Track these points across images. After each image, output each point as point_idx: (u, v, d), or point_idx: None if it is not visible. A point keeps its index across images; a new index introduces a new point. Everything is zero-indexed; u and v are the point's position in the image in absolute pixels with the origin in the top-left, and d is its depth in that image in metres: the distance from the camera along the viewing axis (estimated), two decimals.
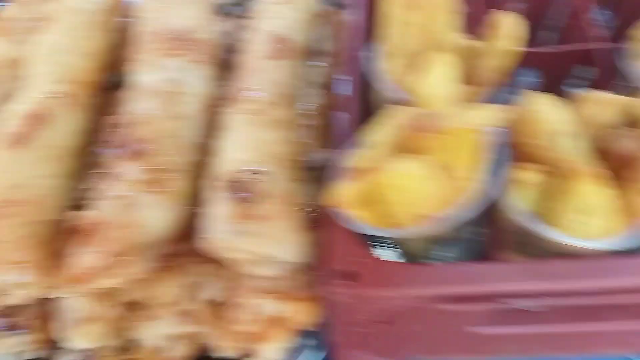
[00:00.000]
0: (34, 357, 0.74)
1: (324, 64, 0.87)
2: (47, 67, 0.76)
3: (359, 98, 0.71)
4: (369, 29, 0.80)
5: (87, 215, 0.59)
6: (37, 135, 0.68)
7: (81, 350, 0.72)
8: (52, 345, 0.75)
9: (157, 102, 0.70)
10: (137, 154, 0.64)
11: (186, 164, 0.67)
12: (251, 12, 0.88)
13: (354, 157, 0.58)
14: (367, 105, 0.72)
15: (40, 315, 0.72)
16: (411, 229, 0.52)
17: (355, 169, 0.56)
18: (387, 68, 0.68)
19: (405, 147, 0.53)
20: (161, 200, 0.62)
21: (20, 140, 0.66)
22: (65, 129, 0.71)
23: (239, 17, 0.97)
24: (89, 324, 0.68)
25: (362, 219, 0.53)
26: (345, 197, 0.53)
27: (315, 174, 0.74)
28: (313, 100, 0.82)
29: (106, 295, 0.64)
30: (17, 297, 0.63)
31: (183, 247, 0.65)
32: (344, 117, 0.69)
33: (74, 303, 0.69)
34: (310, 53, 0.85)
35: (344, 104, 0.71)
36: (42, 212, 0.63)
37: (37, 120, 0.69)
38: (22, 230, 0.60)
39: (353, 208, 0.52)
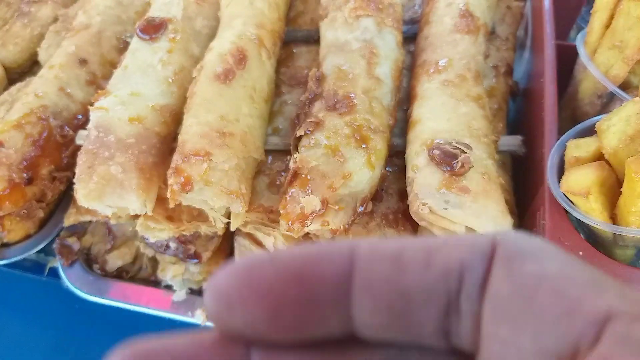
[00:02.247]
0: (202, 288, 0.78)
1: (501, 47, 0.86)
2: (244, 11, 0.77)
3: (556, 86, 0.70)
4: (555, 21, 0.79)
5: (302, 161, 0.60)
6: (239, 74, 0.70)
7: None
8: None
9: (357, 61, 0.71)
10: (345, 109, 0.65)
11: (383, 126, 0.67)
12: None
13: (576, 146, 0.57)
14: (561, 92, 0.72)
15: (216, 250, 0.75)
16: None
17: (580, 158, 0.56)
18: (597, 59, 0.66)
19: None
20: (365, 157, 0.63)
21: (227, 76, 0.68)
22: (257, 72, 0.73)
23: None
24: None
25: (591, 210, 0.53)
26: (577, 185, 0.53)
27: (502, 157, 0.74)
28: (491, 83, 0.82)
29: (298, 240, 0.66)
30: (219, 225, 0.65)
31: (372, 207, 0.66)
32: (541, 104, 0.69)
33: (251, 245, 0.72)
34: (490, 34, 0.85)
35: (540, 89, 0.70)
36: (245, 148, 0.65)
37: (238, 59, 0.71)
38: (234, 162, 0.62)
39: (583, 197, 0.52)
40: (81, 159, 0.64)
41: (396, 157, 0.72)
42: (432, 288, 0.18)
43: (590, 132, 0.60)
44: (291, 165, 0.61)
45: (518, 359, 0.17)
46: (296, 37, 0.87)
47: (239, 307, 0.18)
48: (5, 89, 0.94)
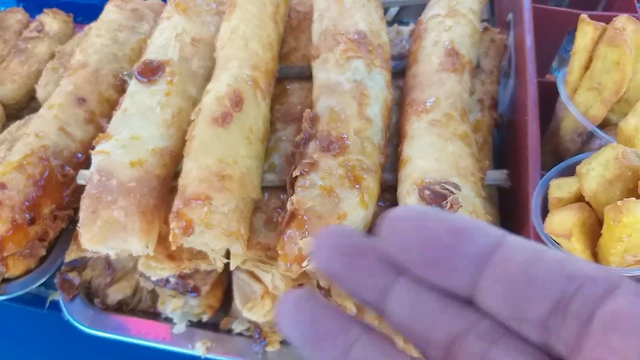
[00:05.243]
0: (201, 320, 0.80)
1: (485, 81, 0.90)
2: (239, 53, 0.80)
3: (538, 124, 0.73)
4: (537, 52, 0.83)
5: (299, 202, 0.63)
6: (236, 116, 0.72)
7: (249, 322, 0.77)
8: (220, 312, 0.81)
9: (349, 102, 0.74)
10: (338, 150, 0.68)
11: (375, 165, 0.70)
12: (419, 23, 0.91)
13: (558, 186, 0.61)
14: (544, 125, 0.75)
15: (215, 283, 0.77)
16: (623, 269, 0.54)
17: (562, 198, 0.59)
18: (577, 99, 0.70)
19: (621, 184, 0.56)
20: (359, 197, 0.65)
21: (224, 119, 0.70)
22: (253, 113, 0.76)
23: (401, 24, 1.00)
24: (261, 300, 0.73)
25: (573, 250, 0.56)
26: (559, 227, 0.56)
27: (489, 191, 0.77)
28: (476, 117, 0.85)
29: (294, 278, 0.68)
30: (218, 265, 0.68)
31: None
32: (525, 141, 0.72)
33: (250, 279, 0.74)
34: (475, 68, 0.88)
35: (524, 125, 0.74)
36: (243, 189, 0.67)
37: (235, 102, 0.73)
38: (233, 204, 0.65)
39: (567, 237, 0.55)
40: (84, 204, 0.66)
41: (388, 192, 0.75)
42: (551, 280, 0.20)
43: (573, 169, 0.63)
44: (288, 206, 0.64)
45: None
46: (289, 73, 0.90)
47: (401, 231, 0.23)
48: (4, 125, 0.96)
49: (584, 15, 0.69)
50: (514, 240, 0.22)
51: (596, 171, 0.56)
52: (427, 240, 0.22)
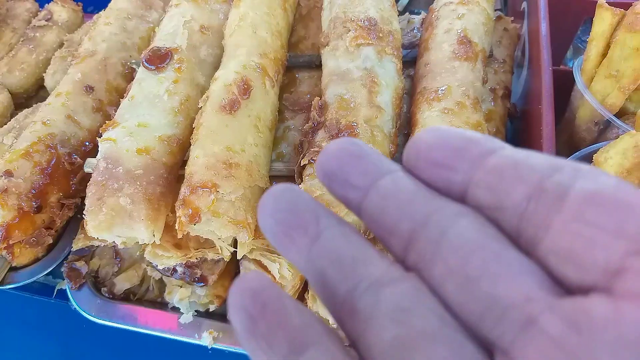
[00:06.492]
0: (208, 310, 0.79)
1: (498, 70, 0.88)
2: (247, 41, 0.79)
3: (553, 113, 0.71)
4: (551, 41, 0.81)
5: (307, 191, 0.62)
6: (244, 104, 0.71)
7: None
8: (227, 302, 0.80)
9: (359, 90, 0.72)
10: None
11: (385, 154, 0.69)
12: (431, 11, 0.89)
13: None
14: (558, 115, 0.73)
15: (222, 273, 0.76)
16: None
17: None
18: (594, 87, 0.68)
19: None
20: None
21: (232, 107, 0.69)
22: (261, 102, 0.75)
23: (412, 13, 0.99)
24: None
25: None
26: None
27: None
28: (489, 106, 0.84)
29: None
30: (225, 254, 0.67)
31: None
32: (539, 130, 0.70)
33: (257, 269, 0.73)
34: (488, 57, 0.86)
35: (538, 115, 0.72)
36: (251, 178, 0.66)
37: (243, 89, 0.72)
38: (240, 193, 0.64)
39: None
40: (90, 191, 0.65)
41: None
42: (534, 167, 0.20)
43: (588, 159, 0.61)
44: None
45: (589, 244, 0.18)
46: (298, 62, 0.89)
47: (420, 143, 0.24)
48: (12, 114, 0.96)
49: (602, 1, 0.67)
50: (517, 149, 0.22)
51: (614, 160, 0.55)
52: (438, 144, 0.22)
